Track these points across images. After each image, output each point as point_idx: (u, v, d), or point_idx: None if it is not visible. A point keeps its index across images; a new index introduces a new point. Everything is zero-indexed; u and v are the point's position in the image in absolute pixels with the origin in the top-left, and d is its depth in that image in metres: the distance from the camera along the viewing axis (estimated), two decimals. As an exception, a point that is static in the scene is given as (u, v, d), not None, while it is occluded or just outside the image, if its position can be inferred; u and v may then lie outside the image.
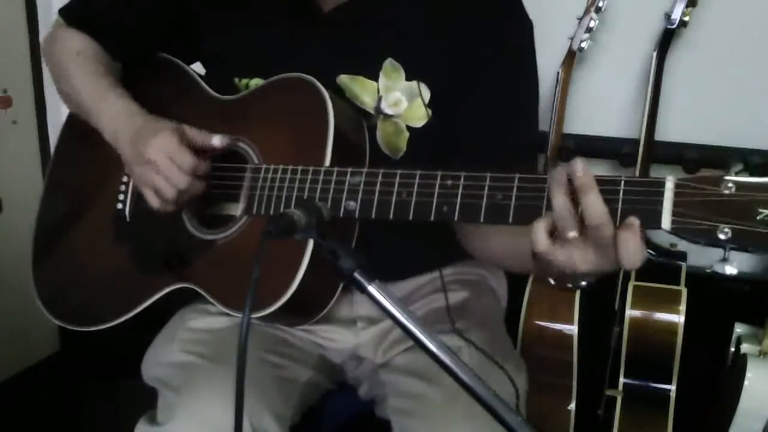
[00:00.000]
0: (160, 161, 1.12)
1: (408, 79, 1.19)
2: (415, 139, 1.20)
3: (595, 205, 0.81)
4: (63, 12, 1.34)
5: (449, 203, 0.94)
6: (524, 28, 1.21)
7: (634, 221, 0.81)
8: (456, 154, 1.18)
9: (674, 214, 0.80)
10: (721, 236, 0.78)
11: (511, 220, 0.90)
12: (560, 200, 0.83)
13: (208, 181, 1.17)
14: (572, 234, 0.83)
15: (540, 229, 0.85)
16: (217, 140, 1.17)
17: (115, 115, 1.21)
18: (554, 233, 0.85)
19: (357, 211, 1.02)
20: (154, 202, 1.17)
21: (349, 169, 1.04)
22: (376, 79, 1.20)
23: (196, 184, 1.15)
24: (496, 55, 1.17)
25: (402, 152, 1.21)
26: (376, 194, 1.00)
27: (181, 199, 1.15)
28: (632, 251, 0.80)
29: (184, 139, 1.15)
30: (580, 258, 0.84)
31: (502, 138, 1.17)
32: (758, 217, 0.76)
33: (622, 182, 0.83)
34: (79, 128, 1.32)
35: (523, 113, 1.21)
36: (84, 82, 1.26)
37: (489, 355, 1.16)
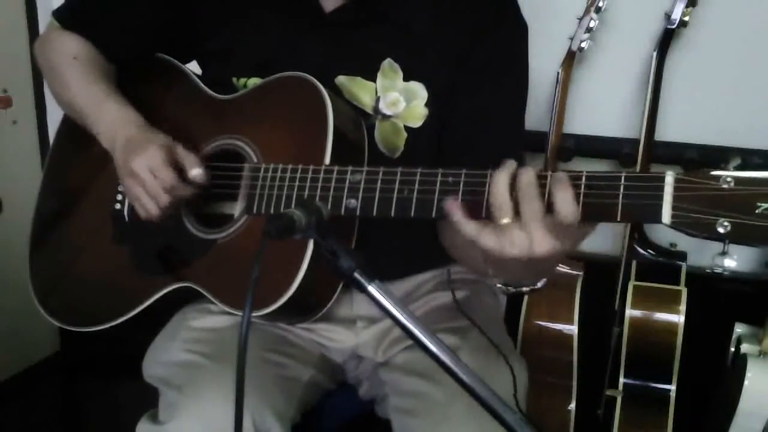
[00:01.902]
0: (144, 175, 1.12)
1: (406, 79, 1.19)
2: (413, 139, 1.21)
3: (569, 203, 0.83)
4: (57, 14, 1.33)
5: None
6: (520, 31, 1.23)
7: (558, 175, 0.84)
8: (453, 154, 1.18)
9: (674, 208, 0.81)
10: (721, 230, 0.79)
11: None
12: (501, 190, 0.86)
13: (195, 195, 1.16)
14: (506, 221, 0.86)
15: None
16: (192, 173, 1.13)
17: (113, 122, 1.21)
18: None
19: (358, 210, 1.02)
20: (140, 212, 1.17)
21: (350, 168, 1.03)
22: (374, 79, 1.20)
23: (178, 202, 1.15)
24: (492, 58, 1.19)
25: (400, 151, 1.22)
26: (377, 192, 1.00)
27: (164, 214, 1.15)
28: (563, 199, 0.83)
29: (171, 156, 1.14)
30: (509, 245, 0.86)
31: (498, 138, 1.18)
32: (757, 211, 0.77)
33: (623, 178, 0.83)
34: (74, 128, 1.32)
35: (516, 115, 1.22)
36: (81, 88, 1.25)
37: (490, 339, 1.16)
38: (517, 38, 1.22)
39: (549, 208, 0.84)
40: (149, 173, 1.12)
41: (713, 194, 0.79)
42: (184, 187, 1.14)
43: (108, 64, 1.31)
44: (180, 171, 1.14)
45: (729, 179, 0.78)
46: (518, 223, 0.85)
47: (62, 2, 1.36)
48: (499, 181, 0.86)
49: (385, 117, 1.20)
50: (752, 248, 1.70)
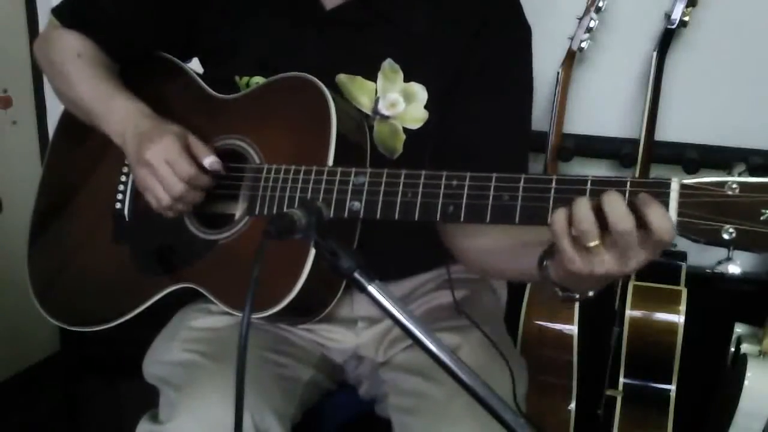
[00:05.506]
0: (158, 165, 1.11)
1: (406, 80, 1.19)
2: (412, 141, 1.20)
3: (667, 220, 0.79)
4: (57, 12, 1.30)
5: (455, 204, 0.94)
6: (523, 34, 1.21)
7: (644, 195, 0.80)
8: (454, 159, 1.17)
9: (680, 215, 0.80)
10: (726, 236, 0.78)
11: (517, 220, 0.90)
12: (583, 210, 0.82)
13: (205, 192, 1.16)
14: (593, 243, 0.82)
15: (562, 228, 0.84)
16: (207, 161, 1.14)
17: (126, 117, 1.19)
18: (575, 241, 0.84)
19: (362, 212, 1.01)
20: (153, 204, 1.16)
21: (353, 169, 1.03)
22: (374, 79, 1.19)
23: (193, 194, 1.14)
24: (495, 61, 1.18)
25: (398, 153, 1.21)
26: (381, 195, 0.99)
27: (177, 207, 1.14)
28: (661, 218, 0.78)
29: (188, 146, 1.14)
30: (599, 264, 0.83)
31: (498, 143, 1.17)
32: (762, 218, 0.77)
33: (628, 183, 0.83)
34: (73, 126, 1.31)
35: (518, 119, 1.21)
36: (88, 85, 1.24)
37: (489, 337, 1.16)
38: (520, 42, 1.20)
39: (639, 224, 0.80)
40: (164, 163, 1.11)
41: (718, 200, 0.79)
42: (201, 176, 1.13)
43: (111, 62, 1.31)
44: (195, 161, 1.13)
45: (734, 185, 0.78)
46: (606, 242, 0.81)
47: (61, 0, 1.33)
48: (583, 208, 0.82)
49: (384, 118, 1.20)
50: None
